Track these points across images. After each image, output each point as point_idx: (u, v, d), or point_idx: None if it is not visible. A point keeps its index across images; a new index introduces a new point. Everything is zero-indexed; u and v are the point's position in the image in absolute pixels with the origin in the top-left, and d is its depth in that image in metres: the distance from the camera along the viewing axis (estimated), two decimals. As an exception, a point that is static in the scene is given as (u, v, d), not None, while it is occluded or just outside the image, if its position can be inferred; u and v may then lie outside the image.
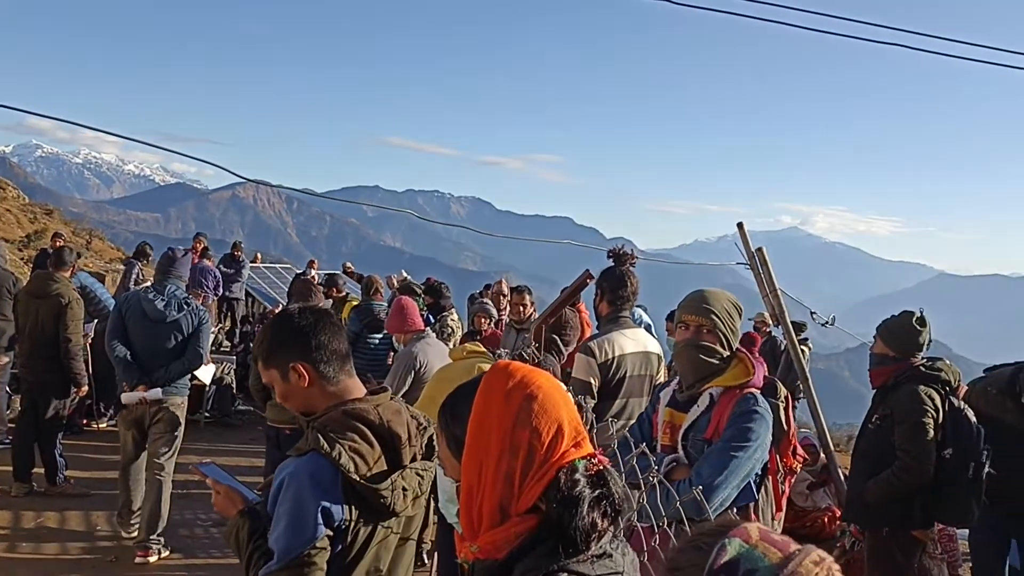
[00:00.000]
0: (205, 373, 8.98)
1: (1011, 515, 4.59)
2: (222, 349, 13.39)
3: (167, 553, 5.79)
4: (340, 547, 2.05)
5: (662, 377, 4.25)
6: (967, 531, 5.40)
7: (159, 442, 5.72)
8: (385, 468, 2.12)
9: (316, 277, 13.87)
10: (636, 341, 4.13)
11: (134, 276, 12.58)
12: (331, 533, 2.02)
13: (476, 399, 1.46)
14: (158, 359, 5.66)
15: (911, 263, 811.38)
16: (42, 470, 6.74)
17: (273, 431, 5.60)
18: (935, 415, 4.04)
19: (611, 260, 4.29)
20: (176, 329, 5.71)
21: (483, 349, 5.10)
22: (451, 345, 7.19)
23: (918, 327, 4.20)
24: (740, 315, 3.04)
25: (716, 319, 2.93)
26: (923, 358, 4.25)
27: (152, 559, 5.65)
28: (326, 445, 2.03)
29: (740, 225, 7.41)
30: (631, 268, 4.26)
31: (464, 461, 1.45)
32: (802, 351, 7.97)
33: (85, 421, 8.72)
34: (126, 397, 5.60)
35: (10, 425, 7.95)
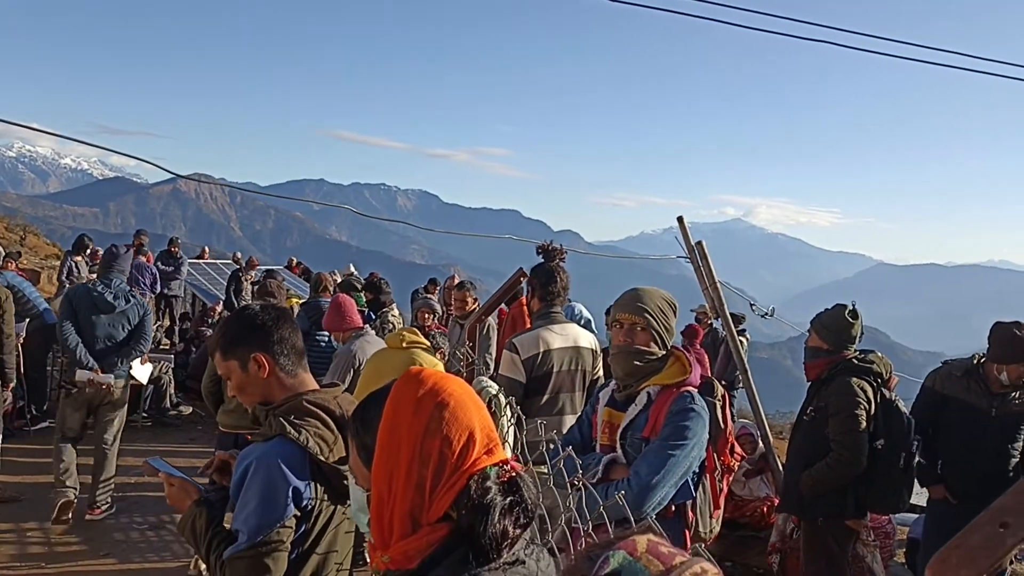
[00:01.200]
0: (142, 372, 8.79)
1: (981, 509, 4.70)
2: (161, 347, 13.11)
3: (112, 510, 6.46)
4: (303, 528, 2.13)
5: (599, 371, 4.26)
6: (904, 516, 5.54)
7: (108, 422, 6.40)
8: (344, 454, 2.20)
9: (254, 275, 13.67)
10: (565, 336, 4.14)
11: (66, 269, 12.39)
12: (298, 513, 2.10)
13: (386, 407, 1.43)
14: (109, 346, 6.28)
15: (850, 253, 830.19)
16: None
17: (230, 438, 5.37)
18: (867, 407, 4.13)
19: (541, 256, 4.30)
20: (125, 319, 6.37)
21: (421, 337, 5.06)
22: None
23: (850, 320, 4.29)
24: (675, 312, 3.06)
25: (649, 317, 2.94)
26: (856, 350, 4.34)
27: (98, 516, 6.33)
28: (292, 431, 2.11)
29: (680, 219, 7.49)
30: (561, 263, 4.28)
31: (374, 470, 1.43)
32: (740, 342, 8.09)
33: (18, 423, 8.46)
34: (80, 375, 6.12)
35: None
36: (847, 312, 4.32)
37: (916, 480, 4.51)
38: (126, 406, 6.57)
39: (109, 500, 6.48)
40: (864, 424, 4.10)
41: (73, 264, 12.58)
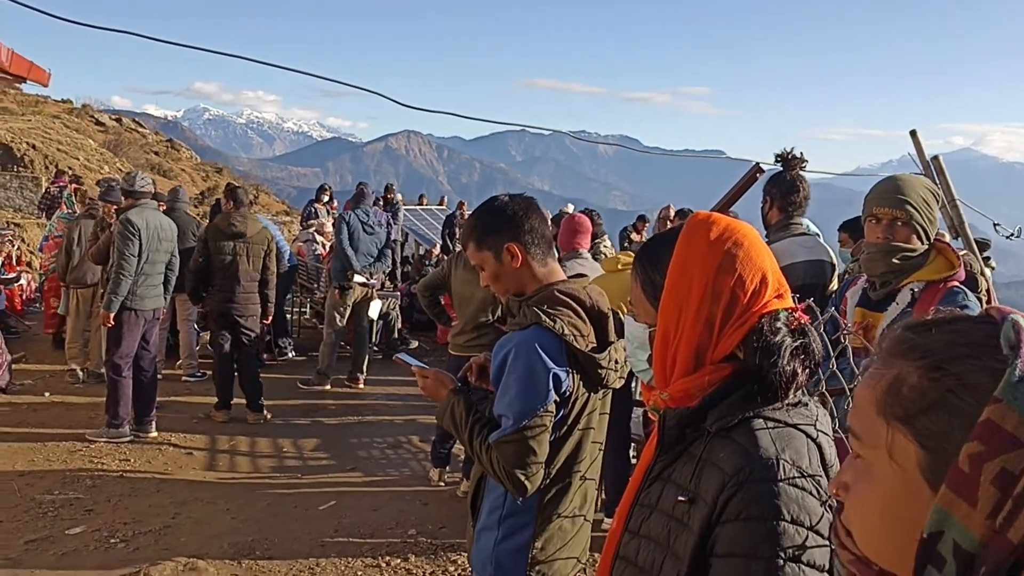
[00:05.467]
0: (372, 308, 9.35)
1: None
2: (385, 288, 13.88)
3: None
4: (562, 413, 2.14)
5: (835, 285, 4.03)
6: None
7: (365, 312, 8.69)
8: (595, 344, 2.20)
9: (465, 216, 14.18)
10: (809, 249, 3.87)
11: (307, 213, 14.48)
12: (558, 399, 2.10)
13: (678, 245, 1.42)
14: (371, 257, 8.49)
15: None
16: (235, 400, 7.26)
17: (461, 361, 5.43)
18: None
19: (779, 165, 4.04)
20: (378, 238, 8.55)
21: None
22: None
23: None
24: (938, 202, 2.77)
25: (912, 210, 2.65)
26: None
27: (361, 384, 8.64)
28: (547, 319, 2.11)
29: (914, 133, 6.93)
30: (801, 172, 4.03)
31: (662, 305, 1.42)
32: (985, 270, 7.46)
33: (267, 356, 9.25)
34: (356, 278, 8.27)
35: (200, 360, 8.59)
36: None
37: None
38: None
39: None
40: None
41: (314, 209, 14.26)
